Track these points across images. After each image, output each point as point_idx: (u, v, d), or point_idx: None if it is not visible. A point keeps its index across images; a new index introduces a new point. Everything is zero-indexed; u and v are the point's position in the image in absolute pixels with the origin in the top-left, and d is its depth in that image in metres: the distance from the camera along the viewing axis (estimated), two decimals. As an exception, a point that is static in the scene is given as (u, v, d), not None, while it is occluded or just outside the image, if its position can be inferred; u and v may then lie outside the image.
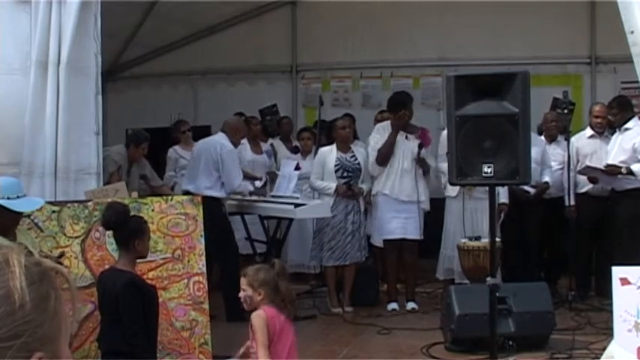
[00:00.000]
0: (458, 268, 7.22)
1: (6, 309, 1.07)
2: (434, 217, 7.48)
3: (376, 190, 7.32)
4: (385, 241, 7.33)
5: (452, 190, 7.25)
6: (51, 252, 4.65)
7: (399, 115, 7.20)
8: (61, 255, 4.62)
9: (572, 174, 7.41)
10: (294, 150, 8.61)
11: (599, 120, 7.42)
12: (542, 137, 7.81)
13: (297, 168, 7.81)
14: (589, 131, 7.54)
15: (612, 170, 7.01)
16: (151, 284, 4.38)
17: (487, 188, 6.87)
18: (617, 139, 7.17)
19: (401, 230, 7.21)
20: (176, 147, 8.59)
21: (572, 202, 7.41)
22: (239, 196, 7.35)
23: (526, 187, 7.22)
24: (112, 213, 4.18)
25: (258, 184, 7.76)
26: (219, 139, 7.02)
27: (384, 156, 7.22)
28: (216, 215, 6.49)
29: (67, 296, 1.20)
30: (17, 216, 4.21)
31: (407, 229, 7.20)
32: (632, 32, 4.42)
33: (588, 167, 7.28)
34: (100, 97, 5.39)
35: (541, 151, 7.49)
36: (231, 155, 6.91)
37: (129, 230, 4.10)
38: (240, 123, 7.32)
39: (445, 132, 7.23)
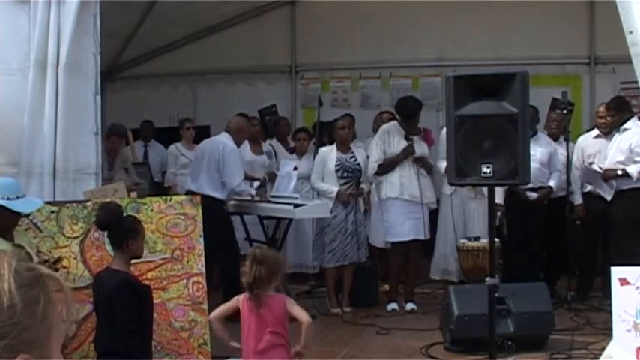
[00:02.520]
0: (453, 267, 7.26)
1: None
2: (434, 216, 7.51)
3: (391, 195, 7.26)
4: (394, 242, 7.32)
5: (447, 189, 7.28)
6: (50, 252, 4.65)
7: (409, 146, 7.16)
8: (59, 259, 4.60)
9: (577, 173, 7.39)
10: (291, 151, 8.63)
11: (602, 120, 7.42)
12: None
13: (295, 169, 7.82)
14: (595, 131, 7.52)
15: (609, 175, 7.02)
16: (146, 284, 4.38)
17: (477, 190, 7.00)
18: (616, 139, 7.17)
19: (413, 231, 7.20)
20: (177, 144, 8.66)
21: (580, 202, 7.39)
22: (238, 197, 7.35)
23: (528, 192, 7.24)
24: (104, 213, 4.18)
25: (255, 184, 7.77)
26: (223, 138, 7.02)
27: (386, 171, 7.22)
28: (217, 215, 6.49)
29: (61, 297, 1.20)
30: (16, 216, 4.21)
31: (418, 230, 7.20)
32: (631, 32, 4.42)
33: (586, 169, 7.28)
34: (98, 98, 5.39)
35: (548, 152, 7.48)
36: (233, 154, 6.91)
37: (122, 230, 4.10)
38: (245, 123, 7.31)
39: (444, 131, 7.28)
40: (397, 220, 7.22)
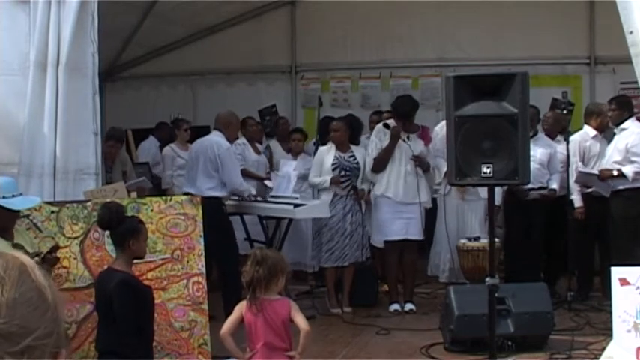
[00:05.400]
0: (445, 267, 7.26)
1: (42, 308, 1.10)
2: (432, 216, 7.50)
3: (378, 192, 7.29)
4: (387, 242, 7.32)
5: (442, 189, 7.29)
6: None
7: (395, 130, 7.15)
8: (54, 248, 4.56)
9: (575, 173, 7.39)
10: (289, 150, 8.63)
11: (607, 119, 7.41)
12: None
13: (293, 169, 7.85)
14: (591, 131, 7.50)
15: (605, 175, 7.02)
16: (147, 285, 4.38)
17: (476, 190, 7.01)
18: (615, 139, 7.18)
19: (403, 231, 7.19)
20: (172, 145, 8.61)
21: (580, 204, 7.37)
22: (237, 197, 7.34)
23: (532, 194, 7.25)
24: (105, 212, 4.19)
25: (269, 184, 7.76)
26: (215, 138, 6.92)
27: (380, 165, 7.23)
28: (216, 215, 6.47)
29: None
30: (14, 215, 4.20)
31: (409, 229, 7.19)
32: (631, 32, 4.42)
33: (581, 173, 7.27)
34: (97, 97, 5.39)
35: (548, 153, 7.47)
36: (228, 154, 6.85)
37: (124, 230, 4.10)
38: (232, 117, 7.16)
39: (437, 128, 7.28)
40: (387, 219, 7.22)
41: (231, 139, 7.01)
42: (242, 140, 8.19)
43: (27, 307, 1.07)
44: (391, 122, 7.28)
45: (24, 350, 1.04)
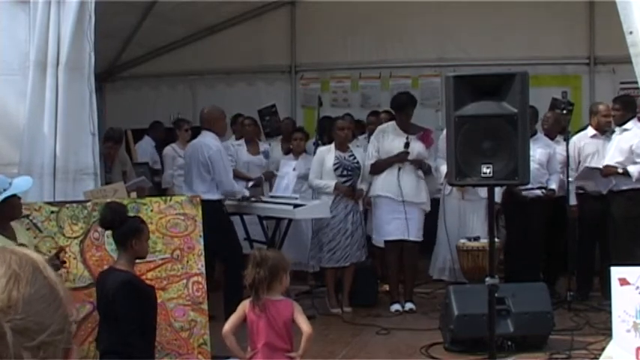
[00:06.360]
0: (445, 267, 7.27)
1: (55, 304, 1.11)
2: (434, 217, 7.50)
3: (376, 192, 7.31)
4: (386, 242, 7.32)
5: (445, 190, 7.30)
6: (50, 252, 4.65)
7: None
8: (60, 251, 4.57)
9: (573, 174, 7.39)
10: (288, 151, 8.63)
11: (608, 119, 7.42)
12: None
13: (293, 169, 7.84)
14: (591, 131, 7.51)
15: (609, 171, 7.02)
16: (150, 285, 4.38)
17: (477, 190, 7.01)
18: (616, 139, 7.17)
19: (401, 231, 7.19)
20: (173, 145, 8.63)
21: (574, 202, 7.39)
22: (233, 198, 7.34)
23: (532, 193, 7.25)
24: (108, 212, 4.19)
25: (249, 184, 7.76)
26: (204, 139, 6.82)
27: (378, 170, 7.27)
28: (217, 216, 6.47)
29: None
30: (19, 203, 4.19)
31: (407, 230, 7.19)
32: (631, 32, 4.43)
33: (587, 168, 7.28)
34: (94, 97, 5.38)
35: (547, 153, 7.48)
36: (219, 155, 6.77)
37: (126, 230, 4.10)
38: (216, 111, 7.08)
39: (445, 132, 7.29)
40: (386, 219, 7.24)
41: (221, 134, 6.99)
42: (240, 141, 8.20)
43: (41, 303, 1.08)
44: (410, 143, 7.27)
45: (39, 346, 1.06)
